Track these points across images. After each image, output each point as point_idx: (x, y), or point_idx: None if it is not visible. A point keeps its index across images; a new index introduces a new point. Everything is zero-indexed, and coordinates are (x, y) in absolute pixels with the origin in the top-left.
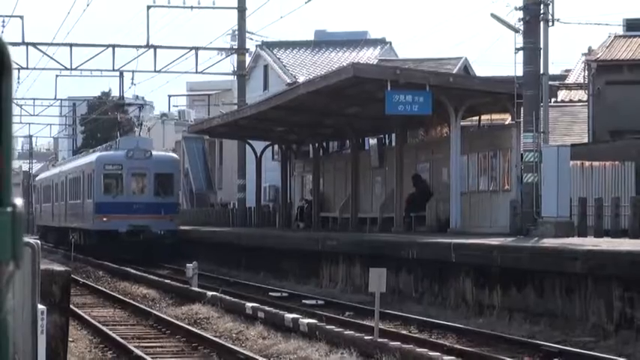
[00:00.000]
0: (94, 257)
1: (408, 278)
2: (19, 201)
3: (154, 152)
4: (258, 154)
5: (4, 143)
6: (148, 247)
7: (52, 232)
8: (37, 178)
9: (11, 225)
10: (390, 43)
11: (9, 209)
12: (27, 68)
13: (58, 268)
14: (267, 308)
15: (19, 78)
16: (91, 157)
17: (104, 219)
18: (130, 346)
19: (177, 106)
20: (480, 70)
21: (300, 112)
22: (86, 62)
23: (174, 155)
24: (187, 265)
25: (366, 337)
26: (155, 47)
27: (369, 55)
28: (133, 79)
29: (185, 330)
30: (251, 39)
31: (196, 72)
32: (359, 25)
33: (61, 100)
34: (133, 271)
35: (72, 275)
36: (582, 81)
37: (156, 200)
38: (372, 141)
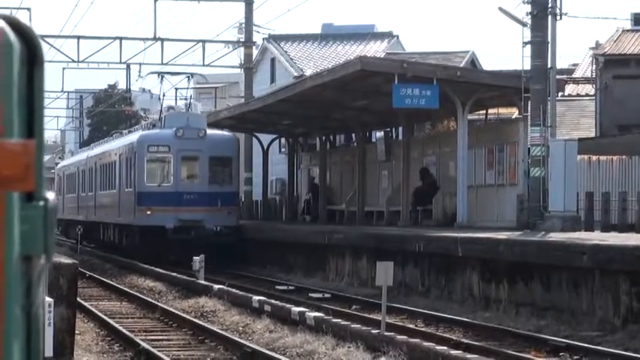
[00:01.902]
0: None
1: (415, 272)
2: (50, 195)
3: (209, 131)
4: (265, 147)
5: (36, 136)
6: (201, 247)
7: (76, 228)
8: (58, 166)
9: (43, 219)
10: (398, 37)
11: (41, 203)
12: None
13: (65, 260)
14: (273, 301)
15: None
16: (132, 137)
17: (148, 212)
18: (137, 339)
19: (183, 99)
20: (487, 63)
21: (307, 106)
22: (93, 55)
23: (232, 135)
24: (194, 258)
25: (372, 331)
26: (162, 40)
27: (376, 49)
28: (140, 71)
29: (191, 323)
30: (258, 32)
31: (203, 65)
32: (366, 18)
33: (68, 92)
34: (139, 264)
35: (79, 268)
36: (590, 75)
37: (211, 189)
38: (379, 134)
